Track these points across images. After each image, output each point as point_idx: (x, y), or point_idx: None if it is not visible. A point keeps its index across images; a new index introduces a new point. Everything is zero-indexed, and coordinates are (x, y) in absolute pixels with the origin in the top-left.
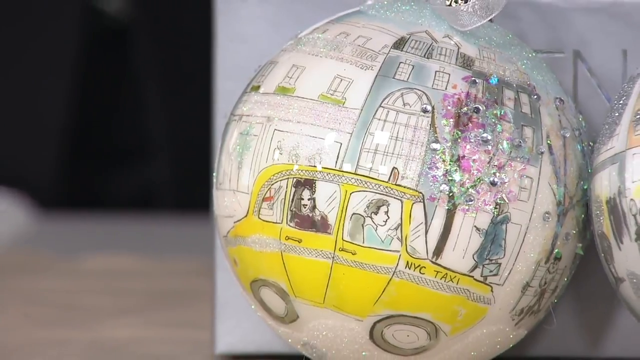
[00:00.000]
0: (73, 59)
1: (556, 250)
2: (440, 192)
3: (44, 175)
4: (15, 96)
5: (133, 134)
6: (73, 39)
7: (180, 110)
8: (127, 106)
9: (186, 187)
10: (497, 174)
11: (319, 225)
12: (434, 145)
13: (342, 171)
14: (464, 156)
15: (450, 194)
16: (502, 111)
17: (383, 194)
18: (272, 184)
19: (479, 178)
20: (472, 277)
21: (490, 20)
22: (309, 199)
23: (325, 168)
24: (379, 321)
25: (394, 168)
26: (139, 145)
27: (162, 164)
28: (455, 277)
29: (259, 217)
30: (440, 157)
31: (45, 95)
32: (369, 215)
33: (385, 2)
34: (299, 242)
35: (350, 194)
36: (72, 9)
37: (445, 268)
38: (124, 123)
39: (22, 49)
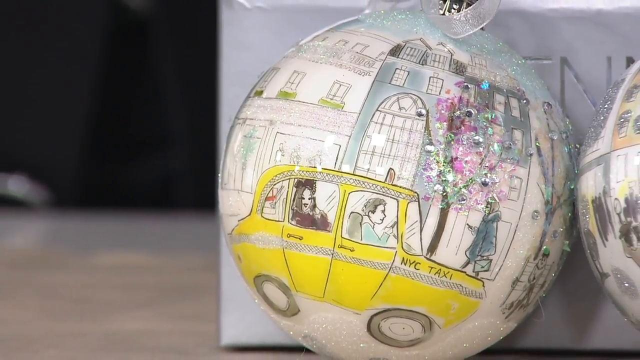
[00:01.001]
0: (96, 52)
1: (544, 247)
2: (434, 191)
3: (66, 166)
4: (38, 89)
5: (152, 127)
6: (96, 33)
7: (197, 107)
8: (147, 99)
9: (202, 182)
10: (489, 175)
11: (319, 223)
12: (429, 147)
13: (341, 172)
14: (456, 158)
15: (444, 194)
16: (493, 115)
17: (380, 194)
18: (275, 184)
19: (471, 178)
20: (465, 272)
21: (482, 29)
22: (309, 199)
23: (325, 169)
24: (376, 314)
25: (390, 169)
26: (158, 137)
27: (181, 157)
28: (448, 272)
29: (262, 216)
30: (434, 158)
31: (68, 89)
32: (367, 213)
33: (382, 12)
34: (300, 240)
35: (349, 193)
36: (96, 3)
37: (439, 264)
38: (144, 116)
39: (47, 44)
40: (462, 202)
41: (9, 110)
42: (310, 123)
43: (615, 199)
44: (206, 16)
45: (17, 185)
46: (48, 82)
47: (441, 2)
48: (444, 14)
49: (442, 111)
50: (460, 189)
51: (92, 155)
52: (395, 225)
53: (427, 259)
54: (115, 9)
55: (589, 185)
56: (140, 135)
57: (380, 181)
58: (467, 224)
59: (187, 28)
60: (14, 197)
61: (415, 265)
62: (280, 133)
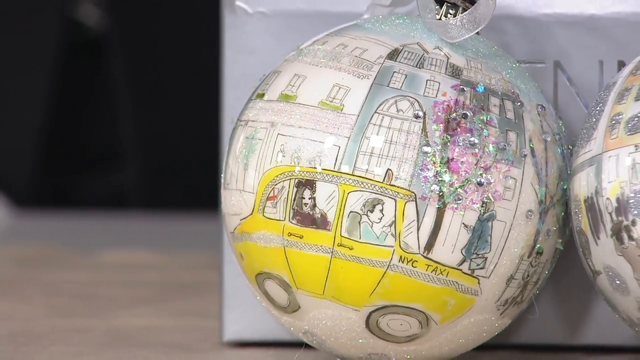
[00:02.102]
0: (51, 66)
1: (538, 246)
2: (431, 191)
3: (20, 175)
4: None
5: (106, 139)
6: (52, 47)
7: (150, 117)
8: (100, 112)
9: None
10: (484, 175)
11: (319, 222)
12: (425, 149)
13: (341, 172)
14: (453, 158)
15: (440, 194)
16: (488, 117)
17: (378, 194)
18: (276, 184)
19: (466, 179)
20: (461, 270)
21: (477, 33)
22: (309, 198)
23: (324, 169)
24: (374, 311)
25: (388, 169)
26: (111, 150)
27: (132, 169)
28: (444, 270)
29: (263, 215)
30: (431, 159)
31: (24, 100)
32: (365, 213)
33: (381, 16)
34: (301, 238)
35: (348, 193)
36: (52, 19)
37: (435, 262)
38: (96, 128)
39: (4, 55)
40: (458, 201)
41: None
42: (310, 125)
43: (607, 198)
44: (168, 23)
45: None
46: (3, 94)
47: (438, 7)
48: (440, 18)
49: (439, 113)
50: (457, 189)
51: (45, 165)
52: (393, 224)
53: (424, 257)
54: (70, 26)
55: (582, 186)
56: (92, 149)
57: (378, 181)
58: (463, 223)
59: (141, 41)
60: None
61: (412, 263)
62: (281, 134)
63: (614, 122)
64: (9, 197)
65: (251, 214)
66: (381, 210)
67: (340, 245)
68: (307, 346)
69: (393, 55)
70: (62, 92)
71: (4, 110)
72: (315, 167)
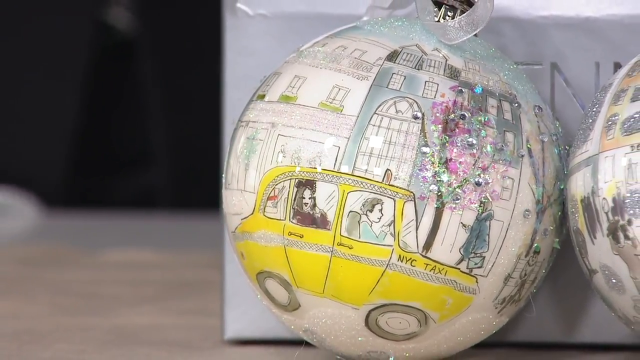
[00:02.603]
0: (82, 68)
1: (535, 245)
2: (430, 191)
3: (52, 176)
4: (28, 103)
5: (135, 141)
6: (83, 51)
7: (182, 118)
8: (129, 114)
9: (192, 188)
10: (482, 175)
11: (318, 222)
12: (424, 149)
13: (340, 172)
14: (451, 159)
15: (439, 194)
16: (486, 118)
17: (377, 194)
18: (276, 184)
19: (465, 179)
20: (459, 269)
21: (475, 35)
22: (309, 198)
23: (324, 170)
24: (373, 309)
25: (387, 170)
26: (141, 152)
27: (161, 170)
28: (443, 269)
29: (264, 215)
30: (429, 159)
31: (55, 102)
32: (365, 212)
33: (380, 19)
34: (301, 237)
35: (348, 193)
36: (83, 22)
37: (434, 261)
38: (127, 129)
39: (37, 59)
40: (457, 201)
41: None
42: (310, 125)
43: (603, 198)
44: (197, 27)
45: (5, 195)
46: (36, 97)
47: (436, 9)
48: (439, 21)
49: (437, 114)
50: (455, 188)
51: (76, 166)
52: (392, 224)
53: (423, 256)
54: (101, 29)
55: (578, 186)
56: (123, 150)
57: (377, 181)
58: (461, 223)
59: (171, 44)
60: (2, 205)
61: (411, 262)
62: (282, 135)
63: (610, 123)
64: (40, 198)
65: (252, 213)
66: (380, 210)
67: (340, 245)
68: (307, 344)
69: (392, 56)
70: (93, 94)
71: (37, 111)
72: (315, 168)
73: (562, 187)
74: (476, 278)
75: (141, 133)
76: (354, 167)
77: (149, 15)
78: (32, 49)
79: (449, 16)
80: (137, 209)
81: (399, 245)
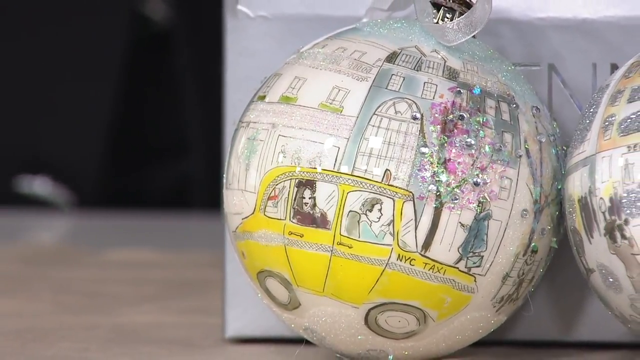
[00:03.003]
0: (119, 60)
1: (533, 244)
2: (429, 191)
3: (88, 168)
4: (64, 96)
5: (171, 133)
6: (120, 42)
7: (218, 109)
8: (166, 106)
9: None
10: (480, 175)
11: (318, 221)
12: (423, 149)
13: (340, 172)
14: (450, 159)
15: (438, 193)
16: (484, 118)
17: (377, 193)
18: (277, 184)
19: (463, 179)
20: (457, 268)
21: (474, 37)
22: (309, 198)
23: (324, 170)
24: (373, 308)
25: (386, 170)
26: (177, 144)
27: (198, 161)
28: (442, 268)
29: (264, 214)
30: (428, 160)
31: (92, 95)
32: (364, 212)
33: (379, 20)
34: (301, 237)
35: (347, 193)
36: (119, 14)
37: (433, 260)
38: (163, 121)
39: (74, 52)
40: (455, 201)
41: (36, 116)
42: (310, 126)
43: (600, 198)
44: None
45: (42, 186)
46: (73, 89)
47: (435, 11)
48: (437, 22)
49: (436, 115)
50: (453, 188)
51: (113, 158)
52: (392, 224)
53: (422, 255)
54: (138, 21)
55: (576, 186)
56: (159, 141)
57: (377, 181)
58: (460, 222)
59: (207, 37)
60: (39, 197)
61: (410, 262)
62: (282, 136)
63: (607, 123)
64: (76, 189)
65: (253, 213)
66: (380, 210)
67: (340, 244)
68: (307, 343)
69: (391, 58)
70: (130, 86)
71: (73, 104)
72: (315, 168)
73: (559, 187)
74: (474, 277)
75: (177, 125)
76: (353, 167)
77: (185, 6)
78: (69, 41)
79: (447, 18)
80: (173, 201)
81: (398, 244)
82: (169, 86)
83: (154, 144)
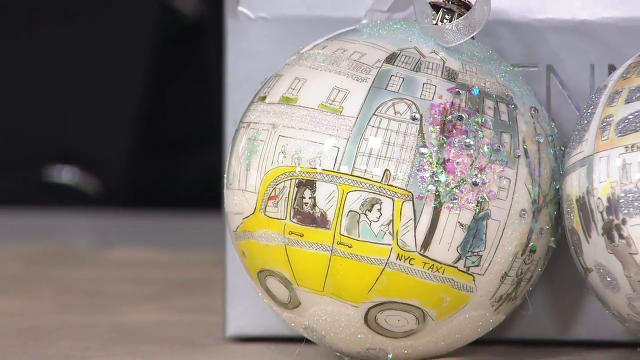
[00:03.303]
0: (149, 53)
1: (531, 244)
2: (428, 191)
3: (116, 159)
4: (95, 86)
5: (200, 125)
6: (150, 35)
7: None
8: (196, 98)
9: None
10: (479, 175)
11: (319, 221)
12: (422, 150)
13: (340, 173)
14: (449, 159)
15: (437, 193)
16: (483, 119)
17: (376, 193)
18: (277, 184)
19: (462, 179)
20: (456, 267)
21: (473, 38)
22: (309, 198)
23: (324, 170)
24: (372, 307)
25: (386, 170)
26: (207, 135)
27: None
28: (441, 267)
29: (265, 214)
30: (427, 160)
31: (121, 87)
32: (364, 212)
33: (379, 22)
34: (301, 237)
35: (347, 193)
36: (150, 6)
37: (432, 260)
38: (192, 113)
39: (104, 43)
40: (454, 201)
41: (66, 106)
42: (310, 126)
43: (598, 198)
44: None
45: (70, 176)
46: (103, 81)
47: (434, 13)
48: (436, 24)
49: (435, 115)
50: (452, 188)
51: (141, 150)
52: (391, 223)
53: (421, 254)
54: (168, 13)
55: (574, 185)
56: (188, 134)
57: (376, 181)
58: (459, 222)
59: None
60: (67, 186)
61: (409, 261)
62: (282, 136)
63: (604, 124)
64: (103, 181)
65: (253, 213)
66: (379, 210)
67: (340, 244)
68: (307, 341)
69: (391, 59)
70: (159, 78)
71: (103, 95)
72: (315, 168)
73: (557, 187)
74: (473, 276)
75: (206, 117)
76: (353, 167)
77: None
78: (100, 33)
79: (446, 19)
80: (202, 192)
81: (397, 244)
82: (198, 79)
83: (183, 136)
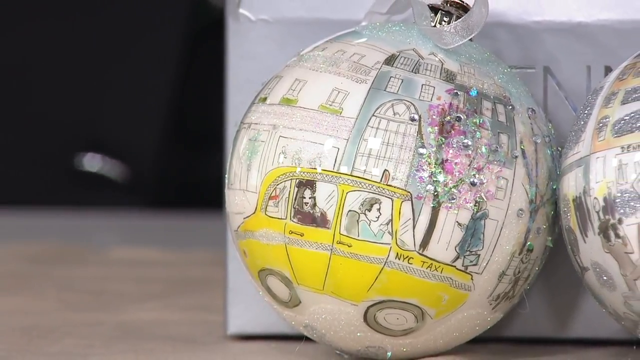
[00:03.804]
0: (178, 46)
1: (529, 243)
2: (426, 191)
3: (143, 148)
4: (124, 78)
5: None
6: (179, 27)
7: None
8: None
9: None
10: (477, 176)
11: (319, 221)
12: (421, 150)
13: (340, 173)
14: (447, 160)
15: (435, 193)
16: (481, 120)
17: (376, 193)
18: (278, 184)
19: (460, 179)
20: (455, 266)
21: (471, 40)
22: (310, 198)
23: (324, 170)
24: (372, 306)
25: (385, 170)
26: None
27: None
28: (439, 266)
29: (265, 214)
30: (426, 160)
31: (150, 81)
32: (363, 212)
33: (378, 24)
34: (301, 236)
35: (347, 193)
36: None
37: (430, 259)
38: (221, 105)
39: (134, 36)
40: (452, 201)
41: (97, 97)
42: (310, 127)
43: (595, 198)
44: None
45: (99, 163)
46: (132, 72)
47: (432, 15)
48: (435, 26)
49: (434, 116)
50: (451, 188)
51: (171, 141)
52: (390, 223)
53: (420, 254)
54: (198, 5)
55: (570, 186)
56: (217, 126)
57: (375, 181)
58: (457, 222)
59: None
60: (96, 173)
61: (408, 260)
62: (283, 137)
63: (601, 124)
64: (132, 169)
65: (254, 212)
66: (378, 209)
67: (339, 243)
68: (307, 339)
69: (390, 60)
70: (188, 70)
71: (133, 86)
72: (315, 168)
73: (554, 187)
74: (471, 275)
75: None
76: (352, 167)
77: None
78: (132, 22)
79: (445, 21)
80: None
81: (396, 243)
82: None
83: (212, 127)
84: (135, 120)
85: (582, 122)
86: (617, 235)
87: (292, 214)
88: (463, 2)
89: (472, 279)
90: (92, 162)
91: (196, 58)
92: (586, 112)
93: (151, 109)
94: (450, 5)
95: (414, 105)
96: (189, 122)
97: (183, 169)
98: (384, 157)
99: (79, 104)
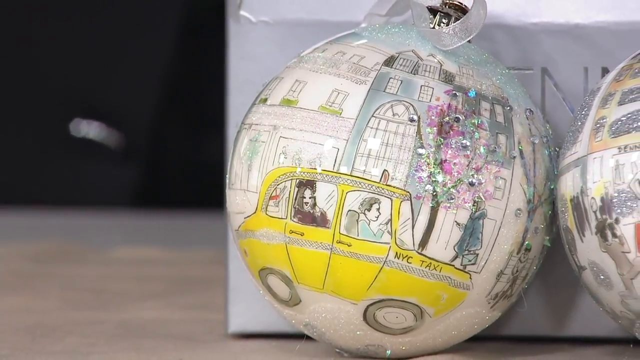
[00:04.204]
0: (175, 31)
1: (527, 242)
2: (425, 191)
3: (139, 118)
4: (124, 49)
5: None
6: (176, 13)
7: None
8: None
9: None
10: (475, 176)
11: (319, 220)
12: (420, 151)
13: (339, 173)
14: (446, 160)
15: (434, 193)
16: (480, 120)
17: (375, 193)
18: (278, 184)
19: (459, 179)
20: (453, 266)
21: (469, 41)
22: (310, 198)
23: (324, 170)
24: (371, 304)
25: (384, 170)
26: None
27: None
28: (438, 266)
29: (266, 213)
30: (425, 160)
31: (147, 65)
32: (363, 211)
33: (377, 25)
34: (302, 235)
35: (347, 193)
36: None
37: (429, 258)
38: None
39: (131, 23)
40: (451, 200)
41: (100, 70)
42: (310, 128)
43: (592, 198)
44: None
45: (95, 130)
46: (131, 56)
47: (431, 16)
48: (434, 27)
49: (433, 117)
50: (449, 188)
51: (165, 130)
52: (389, 222)
53: (419, 253)
54: None
55: (568, 186)
56: (212, 115)
57: (375, 182)
58: (456, 221)
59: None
60: (91, 140)
61: (407, 259)
62: (283, 137)
63: (598, 125)
64: (127, 137)
65: (255, 212)
66: (378, 209)
67: (339, 242)
68: (307, 338)
69: (389, 62)
70: (184, 58)
71: (131, 65)
72: (315, 168)
73: (552, 187)
74: (470, 274)
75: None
76: (352, 167)
77: None
78: (127, 12)
79: (443, 23)
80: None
81: (395, 242)
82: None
83: (207, 112)
84: (132, 89)
85: (580, 123)
86: (614, 235)
87: (292, 214)
88: (461, 4)
89: (470, 278)
90: (88, 129)
91: (193, 44)
92: (583, 113)
93: (148, 80)
94: (449, 7)
95: (413, 106)
96: (187, 97)
97: (179, 143)
98: (384, 158)
99: (76, 71)
